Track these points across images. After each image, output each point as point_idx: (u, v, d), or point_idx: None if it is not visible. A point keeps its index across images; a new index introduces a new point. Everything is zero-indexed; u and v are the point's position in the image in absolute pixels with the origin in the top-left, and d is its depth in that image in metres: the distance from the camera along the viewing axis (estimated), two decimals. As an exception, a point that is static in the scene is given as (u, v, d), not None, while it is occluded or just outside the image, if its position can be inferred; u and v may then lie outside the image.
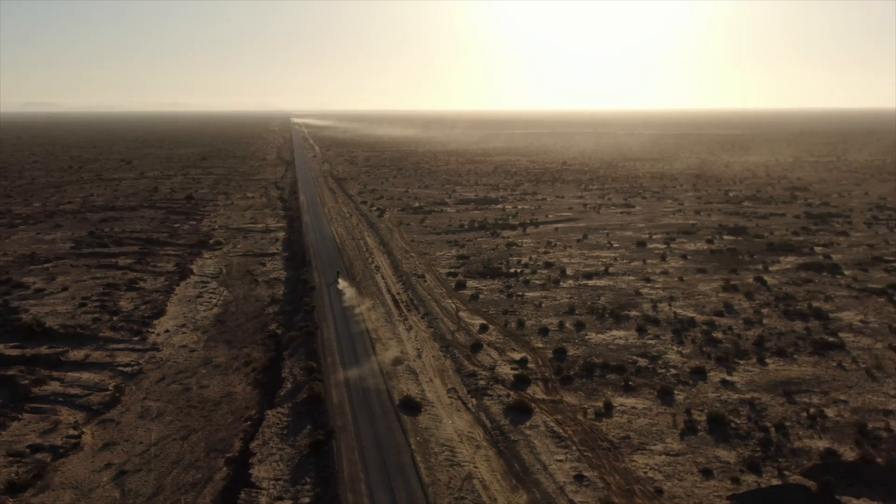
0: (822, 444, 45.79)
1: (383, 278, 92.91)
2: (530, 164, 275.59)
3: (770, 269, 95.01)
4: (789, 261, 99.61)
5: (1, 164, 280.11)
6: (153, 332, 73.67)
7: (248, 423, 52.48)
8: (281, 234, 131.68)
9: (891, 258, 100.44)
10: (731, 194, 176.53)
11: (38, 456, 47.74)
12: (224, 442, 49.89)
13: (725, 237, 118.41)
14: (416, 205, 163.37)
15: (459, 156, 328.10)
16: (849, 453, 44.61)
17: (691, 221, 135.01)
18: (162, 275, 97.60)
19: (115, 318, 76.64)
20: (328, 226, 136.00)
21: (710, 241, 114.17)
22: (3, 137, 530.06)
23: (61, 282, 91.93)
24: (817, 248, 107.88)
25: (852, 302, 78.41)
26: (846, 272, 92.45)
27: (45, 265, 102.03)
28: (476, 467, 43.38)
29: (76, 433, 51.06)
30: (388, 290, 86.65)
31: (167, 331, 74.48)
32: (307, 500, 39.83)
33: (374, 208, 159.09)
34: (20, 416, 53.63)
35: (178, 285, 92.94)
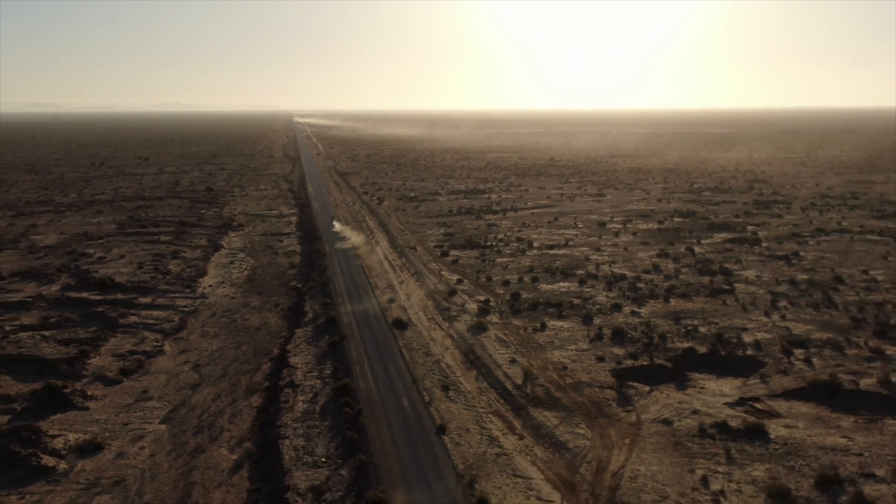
0: (686, 345, 65.43)
1: (381, 249, 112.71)
2: (520, 160, 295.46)
3: (702, 242, 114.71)
4: (721, 236, 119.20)
5: (27, 161, 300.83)
6: (200, 286, 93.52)
7: (282, 339, 72.29)
8: (293, 219, 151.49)
9: (807, 235, 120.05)
10: (695, 186, 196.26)
11: (136, 357, 67.48)
12: (266, 350, 69.69)
13: (675, 219, 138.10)
14: (412, 195, 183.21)
15: (455, 153, 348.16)
16: (703, 350, 64.27)
17: (651, 207, 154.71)
18: (198, 248, 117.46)
19: (168, 277, 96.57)
20: (334, 211, 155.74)
21: (660, 223, 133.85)
22: (19, 137, 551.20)
23: (117, 252, 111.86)
24: (749, 227, 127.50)
25: (756, 264, 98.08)
26: (764, 244, 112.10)
27: (99, 241, 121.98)
28: (443, 357, 63.17)
29: (159, 344, 70.92)
30: (386, 258, 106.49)
31: (210, 286, 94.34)
32: (329, 371, 59.69)
33: (375, 198, 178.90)
34: (115, 335, 73.41)
35: (212, 255, 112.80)
